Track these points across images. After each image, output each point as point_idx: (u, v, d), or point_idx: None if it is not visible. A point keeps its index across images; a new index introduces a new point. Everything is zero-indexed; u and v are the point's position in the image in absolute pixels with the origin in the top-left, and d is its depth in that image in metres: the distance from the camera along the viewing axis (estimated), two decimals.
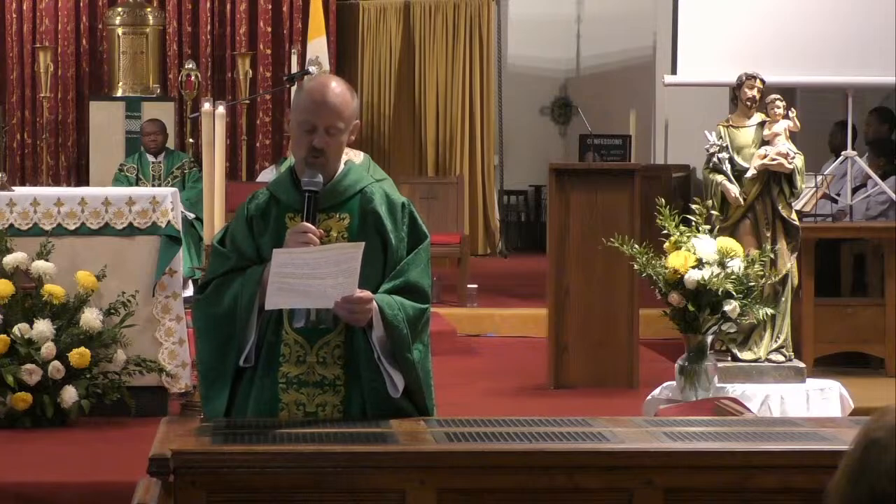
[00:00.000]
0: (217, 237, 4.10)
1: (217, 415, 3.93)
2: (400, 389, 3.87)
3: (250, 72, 14.05)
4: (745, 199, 7.46)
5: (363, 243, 3.78)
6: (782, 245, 7.49)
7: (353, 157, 11.03)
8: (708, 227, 6.85)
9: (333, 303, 3.75)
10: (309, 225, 3.83)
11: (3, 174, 7.98)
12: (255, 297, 3.84)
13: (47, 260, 7.32)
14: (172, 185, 11.10)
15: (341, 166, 3.99)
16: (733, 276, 6.59)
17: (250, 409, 3.91)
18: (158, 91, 13.95)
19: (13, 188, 7.95)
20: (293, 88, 12.43)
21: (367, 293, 3.79)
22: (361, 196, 3.97)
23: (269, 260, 3.84)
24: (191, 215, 10.88)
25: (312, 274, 3.73)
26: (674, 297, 6.63)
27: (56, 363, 7.12)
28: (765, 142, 7.50)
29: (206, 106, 7.39)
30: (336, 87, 3.92)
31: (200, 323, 4.00)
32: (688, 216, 6.83)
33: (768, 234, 7.48)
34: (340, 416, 3.88)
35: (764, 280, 7.09)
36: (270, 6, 14.67)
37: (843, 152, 10.22)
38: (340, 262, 3.73)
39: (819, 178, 8.97)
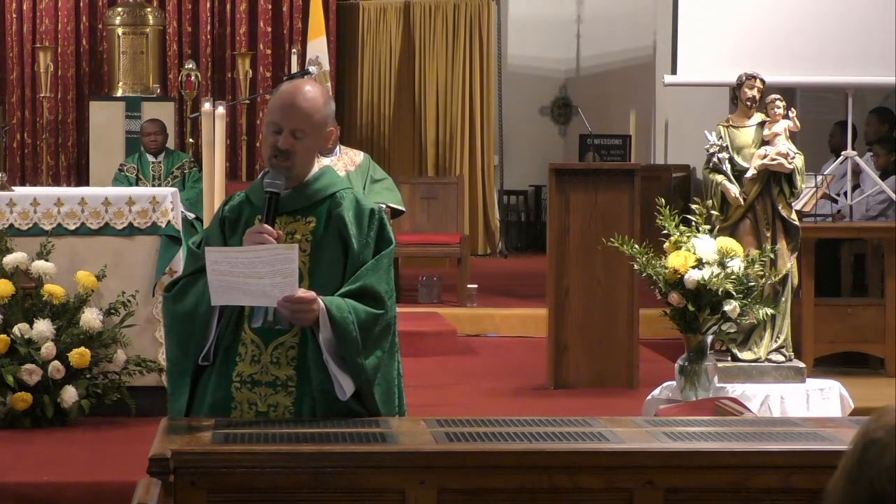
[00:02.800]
0: (194, 239, 4.15)
1: (179, 411, 3.95)
2: (348, 392, 3.84)
3: (250, 72, 14.05)
4: (745, 199, 7.46)
5: (296, 245, 3.79)
6: (782, 245, 7.49)
7: (354, 156, 11.08)
8: (708, 227, 6.85)
9: (276, 301, 3.76)
10: (266, 226, 3.84)
11: (3, 174, 7.98)
12: None
13: (47, 260, 7.32)
14: (172, 185, 11.09)
15: (315, 169, 4.00)
16: (733, 276, 6.59)
17: (206, 407, 3.93)
18: (158, 91, 13.94)
19: (13, 188, 7.95)
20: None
21: (310, 293, 3.79)
22: (331, 200, 3.97)
23: None
24: (191, 215, 10.88)
25: (248, 273, 3.74)
26: (674, 297, 6.63)
27: (56, 363, 7.12)
28: (765, 142, 7.50)
29: (206, 106, 7.40)
30: (309, 91, 3.93)
31: (166, 320, 4.06)
32: (688, 216, 6.82)
33: (768, 234, 7.48)
34: (291, 416, 3.88)
35: (764, 280, 7.09)
36: (270, 6, 14.67)
37: (843, 152, 10.23)
38: (276, 262, 3.73)
39: (819, 178, 8.98)
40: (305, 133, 3.89)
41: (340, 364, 3.84)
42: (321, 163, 4.14)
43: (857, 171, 10.20)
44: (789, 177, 7.47)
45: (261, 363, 3.90)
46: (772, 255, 7.24)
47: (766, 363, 7.49)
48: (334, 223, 3.94)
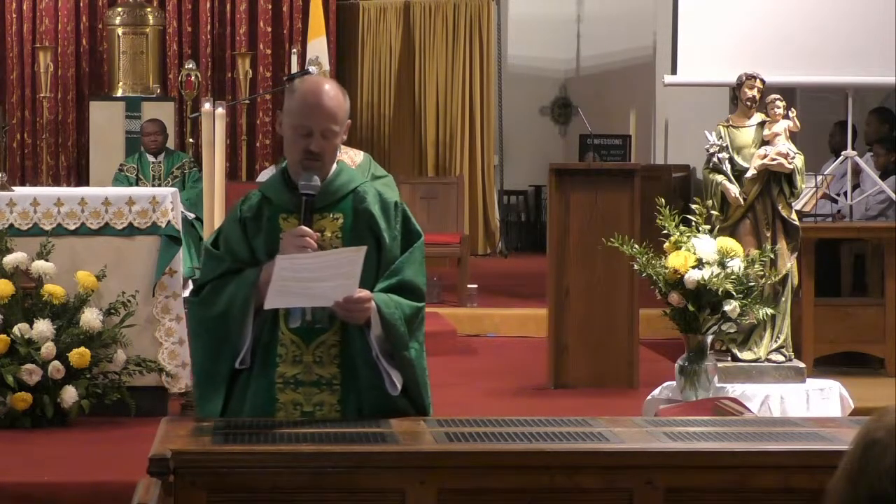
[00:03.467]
0: (209, 239, 4.10)
1: (212, 416, 3.93)
2: (399, 387, 3.87)
3: (250, 72, 14.05)
4: (745, 199, 7.46)
5: (365, 247, 3.79)
6: (782, 245, 7.49)
7: (354, 156, 11.08)
8: (708, 227, 6.85)
9: (331, 302, 3.76)
10: (306, 228, 3.84)
11: (3, 174, 7.97)
12: (251, 299, 3.85)
13: (47, 260, 7.31)
14: (172, 185, 11.10)
15: (333, 166, 3.99)
16: (733, 276, 6.59)
17: (246, 410, 3.91)
18: (158, 91, 13.94)
19: (13, 188, 7.95)
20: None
21: (366, 292, 3.80)
22: (354, 195, 3.98)
23: (263, 262, 3.87)
24: (191, 215, 10.88)
25: (314, 277, 3.74)
26: (674, 297, 6.63)
27: (56, 363, 7.12)
28: (765, 142, 7.50)
29: (206, 106, 7.40)
30: (330, 89, 3.92)
31: (194, 325, 4.02)
32: (688, 216, 6.83)
33: (768, 234, 7.48)
34: (337, 415, 3.88)
35: (764, 280, 7.09)
36: (270, 6, 14.67)
37: (843, 152, 10.23)
38: (342, 265, 3.75)
39: (819, 178, 8.98)
40: (334, 132, 3.90)
41: (389, 359, 3.87)
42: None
43: (857, 171, 10.20)
44: (789, 177, 7.47)
45: (303, 363, 3.89)
46: (772, 255, 7.24)
47: (766, 363, 7.49)
48: (362, 218, 3.95)
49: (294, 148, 3.92)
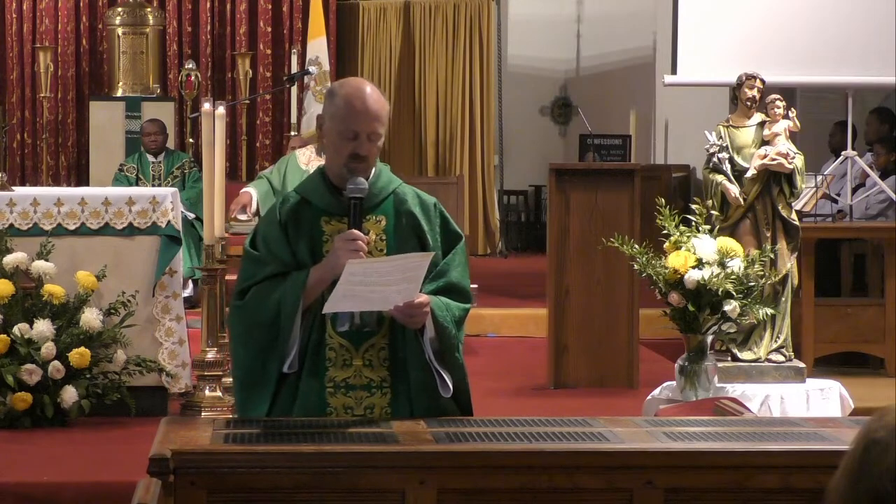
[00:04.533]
0: (247, 241, 4.05)
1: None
2: (451, 389, 3.91)
3: (250, 72, 14.05)
4: (745, 199, 7.46)
5: (433, 253, 3.86)
6: (782, 245, 7.49)
7: None
8: (708, 227, 6.85)
9: (392, 306, 3.79)
10: (357, 232, 3.84)
11: (3, 174, 7.97)
12: (299, 303, 3.84)
13: (47, 260, 7.31)
14: (172, 185, 11.09)
15: (373, 169, 4.00)
16: (733, 276, 6.59)
17: (295, 414, 3.90)
18: (158, 91, 13.95)
19: (13, 188, 7.95)
20: (293, 88, 12.46)
21: (424, 297, 3.84)
22: (395, 197, 4.02)
23: (307, 264, 3.87)
24: (191, 215, 10.88)
25: (379, 281, 3.75)
26: (674, 297, 6.63)
27: (56, 363, 7.11)
28: (765, 142, 7.50)
29: (206, 106, 7.40)
30: (372, 92, 3.94)
31: (240, 329, 3.97)
32: (688, 216, 6.82)
33: (768, 234, 7.47)
34: (388, 417, 3.90)
35: (764, 280, 7.08)
36: (270, 6, 14.68)
37: (843, 152, 10.23)
38: (408, 269, 3.78)
39: (819, 178, 8.97)
40: (379, 135, 3.94)
41: (440, 361, 3.90)
42: None
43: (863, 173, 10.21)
44: (789, 177, 7.47)
45: (353, 367, 3.90)
46: (772, 255, 7.24)
47: (766, 363, 7.48)
48: (405, 219, 3.99)
49: (339, 151, 3.92)
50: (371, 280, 3.75)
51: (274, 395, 3.92)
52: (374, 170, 3.99)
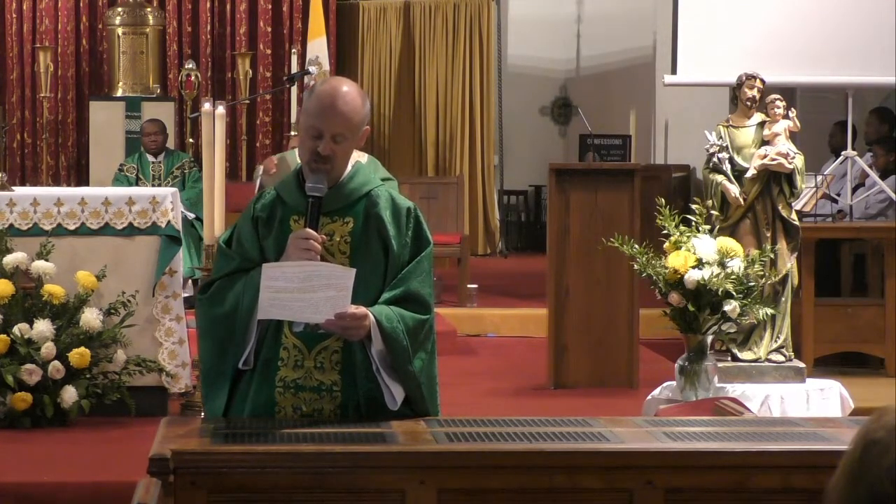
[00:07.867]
0: (224, 236, 4.06)
1: (216, 414, 3.92)
2: (399, 402, 3.83)
3: (250, 72, 14.05)
4: (745, 199, 7.46)
5: (355, 270, 3.73)
6: (782, 245, 7.49)
7: (359, 157, 11.05)
8: (708, 227, 6.85)
9: (324, 318, 3.70)
10: (311, 231, 3.79)
11: (3, 174, 7.97)
12: (255, 300, 3.82)
13: (47, 260, 7.31)
14: (172, 185, 11.09)
15: (349, 168, 3.94)
16: (733, 276, 6.59)
17: (247, 411, 3.89)
18: (158, 91, 13.95)
19: (13, 188, 7.95)
20: (293, 88, 12.45)
21: (361, 309, 3.74)
22: (367, 199, 3.91)
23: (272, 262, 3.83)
24: (191, 215, 10.88)
25: (303, 287, 3.69)
26: (674, 297, 6.63)
27: (56, 363, 7.11)
28: (765, 142, 7.50)
29: (206, 106, 7.40)
30: (348, 92, 3.85)
31: (202, 322, 3.98)
32: (688, 216, 6.82)
33: (768, 234, 7.48)
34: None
35: (764, 280, 7.09)
36: (270, 6, 14.68)
37: (843, 152, 10.23)
38: (332, 277, 3.70)
39: (819, 178, 8.98)
40: (345, 137, 3.83)
41: (391, 373, 3.81)
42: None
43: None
44: (789, 177, 7.47)
45: (304, 368, 3.85)
46: (772, 255, 7.24)
47: (766, 363, 7.49)
48: (372, 223, 3.88)
49: (304, 148, 3.88)
50: (292, 286, 3.68)
51: (232, 391, 3.91)
52: (348, 169, 3.92)
